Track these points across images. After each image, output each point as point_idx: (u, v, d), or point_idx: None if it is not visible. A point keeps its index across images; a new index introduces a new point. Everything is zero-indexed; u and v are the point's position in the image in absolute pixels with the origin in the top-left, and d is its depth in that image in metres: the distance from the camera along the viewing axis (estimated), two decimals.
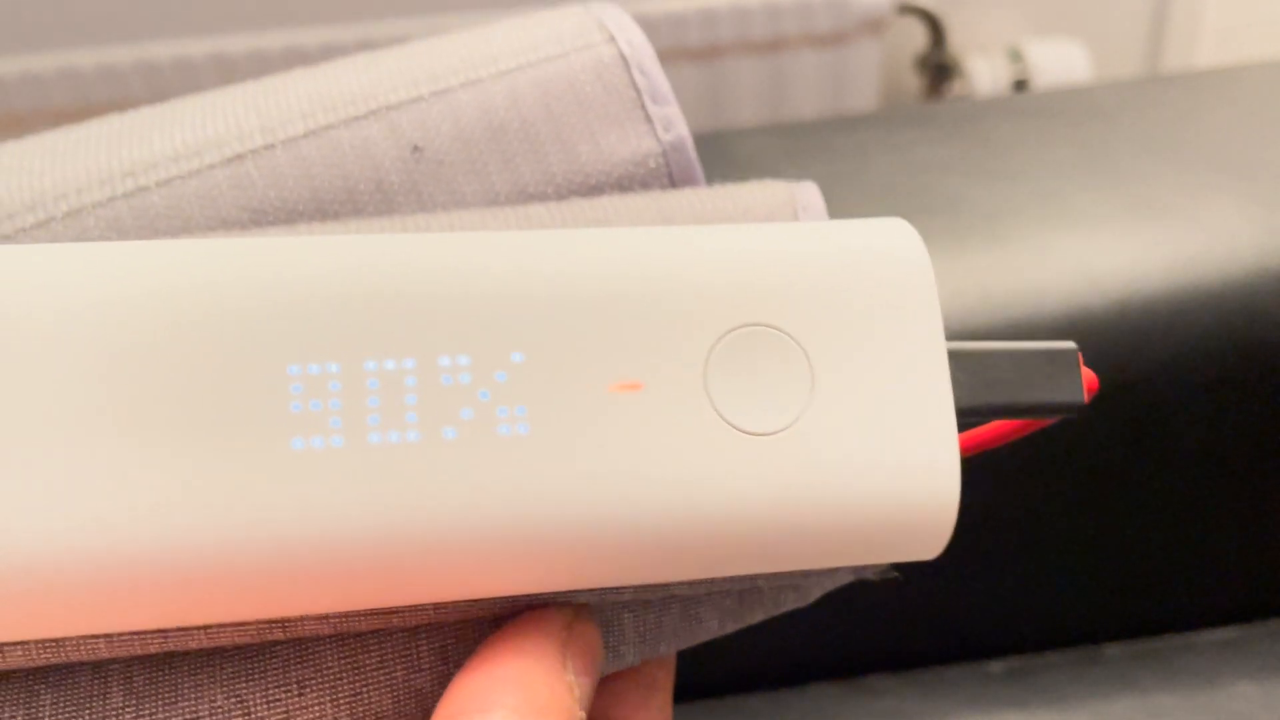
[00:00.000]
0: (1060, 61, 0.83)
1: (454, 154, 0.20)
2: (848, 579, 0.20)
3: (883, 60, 0.83)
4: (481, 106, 0.20)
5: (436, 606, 0.17)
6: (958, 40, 0.86)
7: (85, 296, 0.14)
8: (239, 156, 0.19)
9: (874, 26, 0.79)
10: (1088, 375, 0.18)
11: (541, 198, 0.20)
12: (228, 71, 0.71)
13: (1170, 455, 0.36)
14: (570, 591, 0.17)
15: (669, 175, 0.21)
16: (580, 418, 0.15)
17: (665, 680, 0.21)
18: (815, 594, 0.21)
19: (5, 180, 0.19)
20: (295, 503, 0.14)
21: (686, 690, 0.35)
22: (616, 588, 0.18)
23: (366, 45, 0.72)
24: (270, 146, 0.19)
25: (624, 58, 0.21)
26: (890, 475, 0.16)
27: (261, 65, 0.72)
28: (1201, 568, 0.38)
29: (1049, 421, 0.19)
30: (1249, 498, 0.37)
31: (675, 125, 0.21)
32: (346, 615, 0.17)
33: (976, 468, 0.38)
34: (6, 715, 0.16)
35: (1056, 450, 0.36)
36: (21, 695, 0.16)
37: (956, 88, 0.86)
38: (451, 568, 0.15)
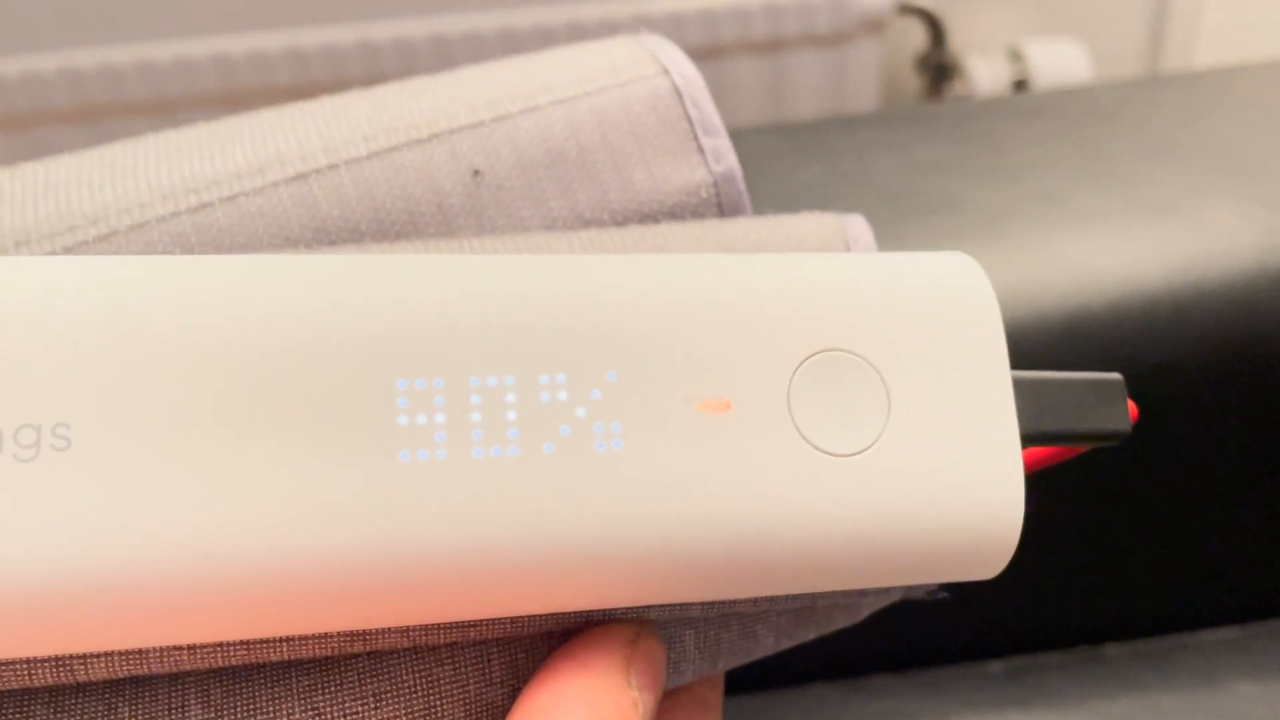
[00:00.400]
0: (1060, 61, 0.83)
1: (513, 179, 0.20)
2: (898, 597, 0.20)
3: (883, 60, 0.83)
4: (540, 133, 0.21)
5: (514, 620, 0.17)
6: (958, 40, 0.86)
7: (200, 309, 0.15)
8: (302, 175, 0.19)
9: (874, 26, 0.79)
10: (1131, 406, 0.19)
11: (598, 224, 0.21)
12: (228, 71, 0.71)
13: (1170, 455, 0.36)
14: (641, 607, 0.18)
15: (719, 206, 0.22)
16: (671, 435, 0.16)
17: (716, 700, 0.22)
18: (865, 612, 0.21)
19: (65, 193, 0.19)
20: (401, 514, 0.15)
21: None
22: (687, 604, 0.18)
23: (366, 45, 0.72)
24: (334, 166, 0.20)
25: (677, 90, 0.22)
26: (960, 497, 0.17)
27: (262, 65, 0.72)
28: (1201, 568, 0.38)
29: (1087, 448, 0.20)
30: (1249, 497, 0.37)
31: (726, 157, 0.22)
32: (427, 628, 0.17)
33: None
34: None
35: None
36: (99, 708, 0.16)
37: (956, 88, 0.86)
38: (544, 581, 0.16)
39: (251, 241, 0.19)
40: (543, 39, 0.74)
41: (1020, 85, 0.84)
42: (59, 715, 0.16)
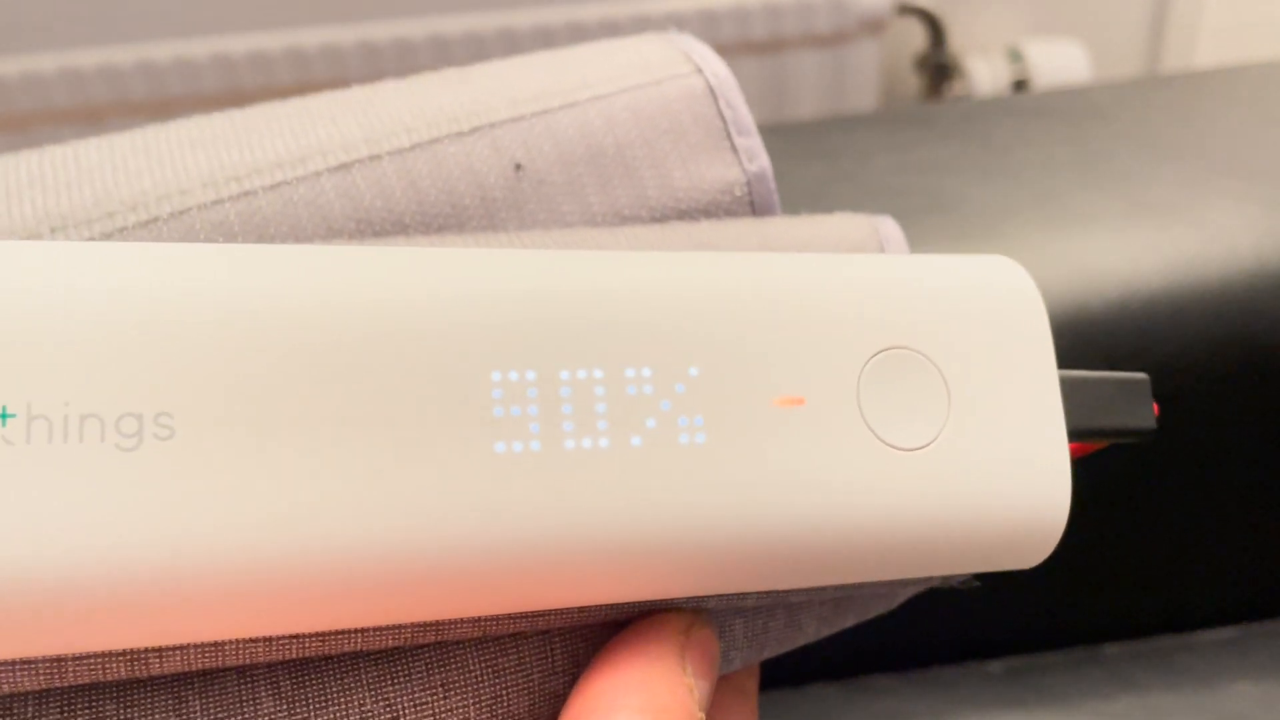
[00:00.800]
0: (1060, 61, 0.83)
1: (554, 174, 0.21)
2: (935, 584, 0.21)
3: (883, 60, 0.83)
4: (580, 128, 0.21)
5: (581, 609, 0.17)
6: (958, 40, 0.86)
7: (297, 300, 0.15)
8: (345, 166, 0.19)
9: (874, 26, 0.79)
10: (1154, 405, 0.20)
11: (636, 221, 0.21)
12: (228, 71, 0.71)
13: (1170, 455, 0.36)
14: (702, 596, 0.18)
15: (751, 205, 0.22)
16: (751, 429, 0.16)
17: (754, 688, 0.22)
18: (901, 599, 0.22)
19: (100, 178, 0.18)
20: (498, 504, 0.15)
21: None
22: (743, 593, 0.18)
23: (366, 45, 0.72)
24: (376, 157, 0.20)
25: (712, 89, 0.22)
26: (1014, 489, 0.17)
27: (262, 65, 0.72)
28: (1201, 568, 0.38)
29: (1109, 444, 0.20)
30: (1249, 497, 0.37)
31: (758, 156, 0.22)
32: (499, 617, 0.17)
33: None
34: None
35: None
36: (170, 702, 0.16)
37: (956, 88, 0.86)
38: (628, 570, 0.16)
39: (295, 231, 0.19)
40: (543, 39, 0.74)
41: (1020, 85, 0.84)
42: (128, 710, 0.16)
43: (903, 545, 0.17)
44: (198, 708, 0.16)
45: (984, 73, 0.84)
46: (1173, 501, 0.37)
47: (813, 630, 0.21)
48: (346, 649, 0.16)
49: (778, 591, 0.19)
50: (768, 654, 0.20)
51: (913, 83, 0.89)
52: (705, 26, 0.76)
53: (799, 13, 0.77)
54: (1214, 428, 0.36)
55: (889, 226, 0.22)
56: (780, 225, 0.21)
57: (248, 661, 0.16)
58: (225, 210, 0.18)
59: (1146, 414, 0.20)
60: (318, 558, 0.14)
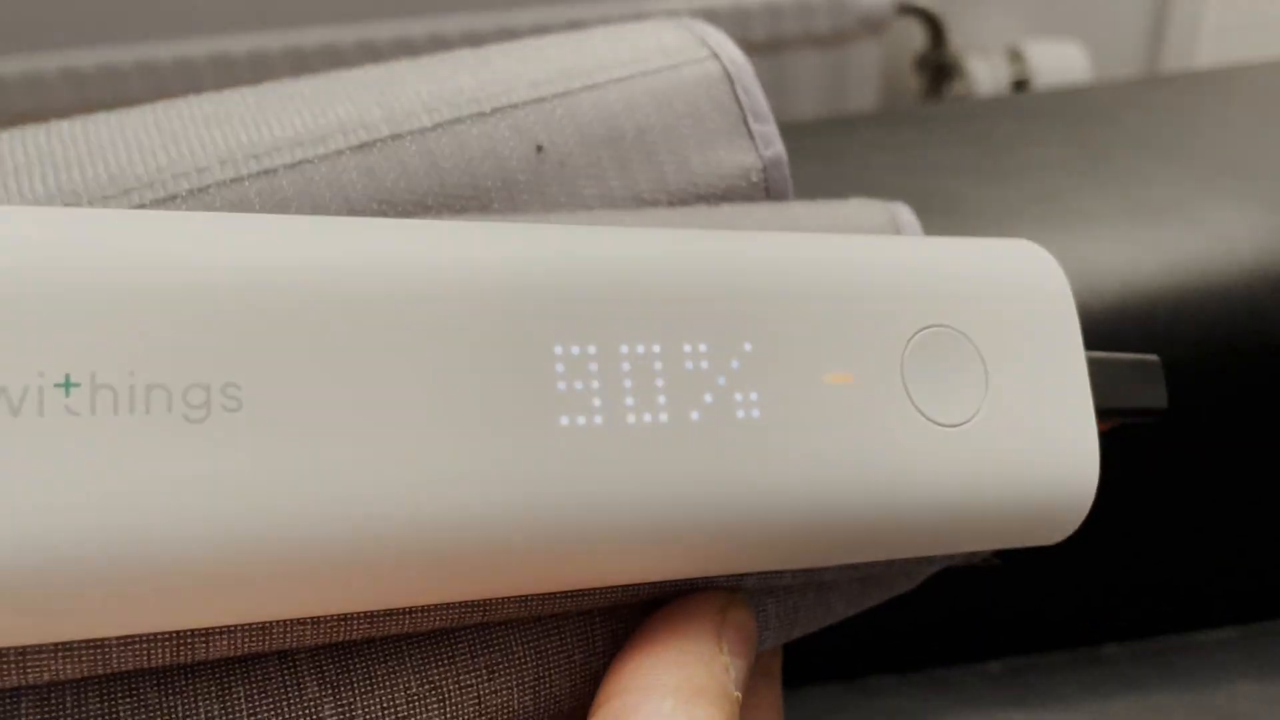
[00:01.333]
0: (1060, 61, 0.83)
1: (575, 155, 0.21)
2: (958, 563, 0.21)
3: (883, 60, 0.83)
4: (600, 111, 0.21)
5: (625, 588, 0.17)
6: (958, 40, 0.86)
7: (358, 272, 0.14)
8: (365, 145, 0.19)
9: (874, 26, 0.79)
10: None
11: (655, 204, 0.21)
12: (228, 71, 0.71)
13: (1170, 455, 0.36)
14: (737, 575, 0.18)
15: (766, 191, 0.22)
16: (803, 405, 0.16)
17: (778, 670, 0.22)
18: (922, 578, 0.22)
19: (113, 155, 0.18)
20: (564, 477, 0.15)
21: None
22: (780, 571, 0.19)
23: (366, 46, 0.72)
24: (397, 137, 0.19)
25: (729, 75, 0.22)
26: (1047, 466, 0.18)
27: (262, 65, 0.72)
28: (1201, 568, 0.38)
29: (1121, 424, 0.21)
30: (1249, 498, 0.37)
31: (774, 143, 0.22)
32: (544, 596, 0.17)
33: None
34: (202, 710, 0.16)
35: None
36: (214, 689, 0.16)
37: (956, 88, 0.86)
38: (686, 546, 0.16)
39: (317, 210, 0.19)
40: None
41: (1020, 85, 0.84)
42: (171, 698, 0.16)
43: (943, 520, 0.17)
44: (241, 694, 0.16)
45: (984, 73, 0.84)
46: (1173, 501, 0.37)
47: (841, 609, 0.21)
48: (393, 630, 0.16)
49: (811, 570, 0.19)
50: (797, 633, 0.21)
51: (913, 83, 0.89)
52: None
53: (799, 13, 0.77)
54: (1214, 428, 0.36)
55: (905, 213, 0.22)
56: (800, 209, 0.21)
57: (293, 645, 0.16)
58: (245, 188, 0.18)
59: (1159, 394, 0.20)
60: (381, 533, 0.14)
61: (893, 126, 0.47)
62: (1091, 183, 0.40)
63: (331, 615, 0.15)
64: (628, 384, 0.15)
